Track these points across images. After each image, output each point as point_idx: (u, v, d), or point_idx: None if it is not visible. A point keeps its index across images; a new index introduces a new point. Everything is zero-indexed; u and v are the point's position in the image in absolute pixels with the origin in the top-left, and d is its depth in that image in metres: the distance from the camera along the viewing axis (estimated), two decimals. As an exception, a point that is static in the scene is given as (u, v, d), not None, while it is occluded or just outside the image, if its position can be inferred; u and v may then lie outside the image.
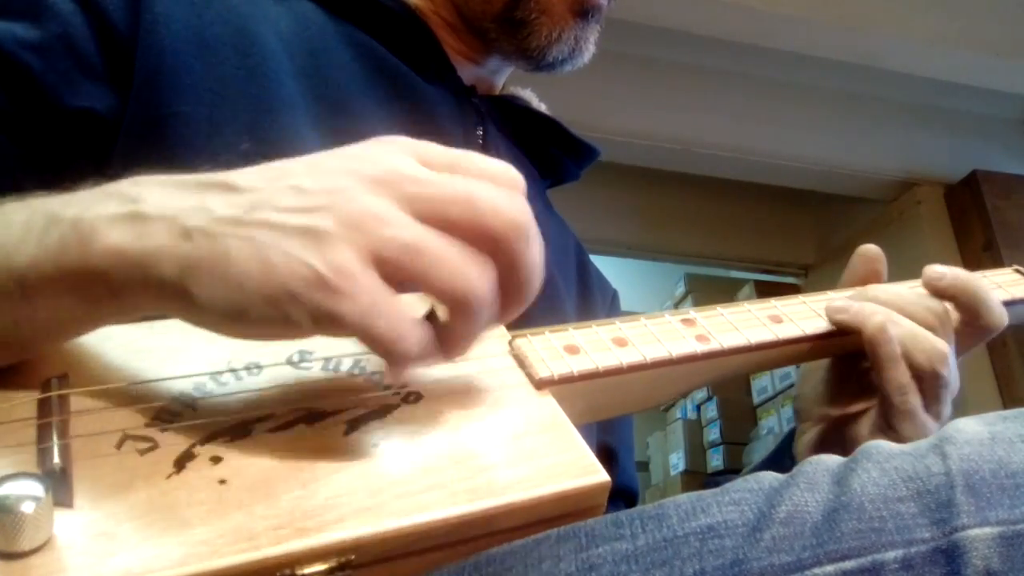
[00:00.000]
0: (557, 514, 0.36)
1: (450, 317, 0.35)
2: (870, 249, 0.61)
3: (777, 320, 0.53)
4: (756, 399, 3.20)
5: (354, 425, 0.38)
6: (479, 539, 0.35)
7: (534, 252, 0.36)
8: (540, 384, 0.43)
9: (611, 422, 0.70)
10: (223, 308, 0.33)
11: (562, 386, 0.43)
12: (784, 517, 0.33)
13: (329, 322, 0.33)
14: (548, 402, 0.42)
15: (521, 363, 0.44)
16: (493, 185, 0.36)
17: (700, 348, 0.48)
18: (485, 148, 0.65)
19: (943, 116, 2.56)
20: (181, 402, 0.38)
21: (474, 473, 0.36)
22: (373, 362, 0.42)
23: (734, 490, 0.35)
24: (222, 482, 0.34)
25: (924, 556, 0.31)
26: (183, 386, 0.39)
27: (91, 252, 0.34)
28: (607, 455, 0.69)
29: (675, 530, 0.33)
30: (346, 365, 0.42)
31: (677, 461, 3.18)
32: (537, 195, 0.73)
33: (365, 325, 0.33)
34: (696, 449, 3.15)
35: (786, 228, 3.10)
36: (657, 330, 0.49)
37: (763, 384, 3.15)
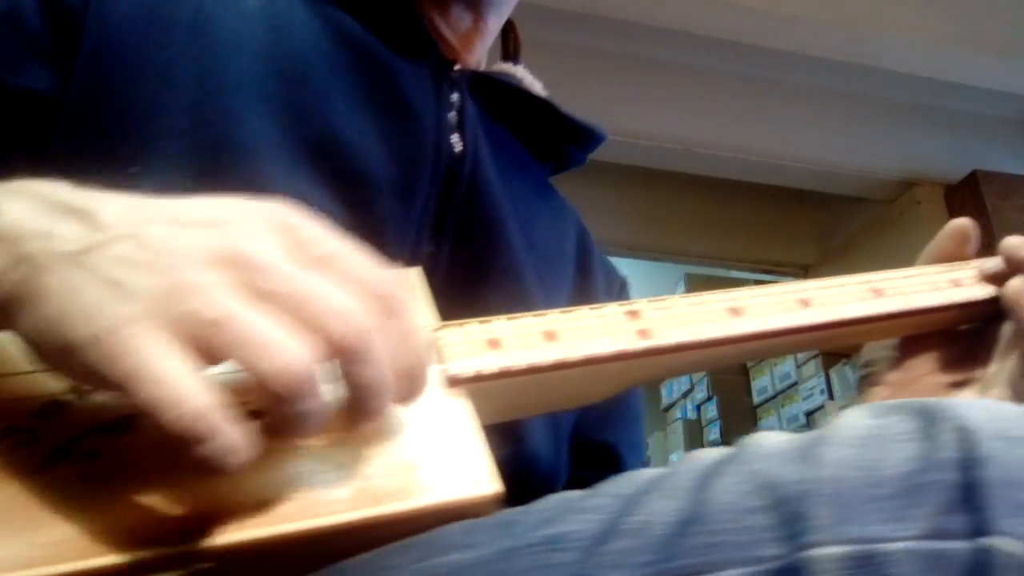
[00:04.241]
0: (434, 525, 0.34)
1: (262, 398, 0.31)
2: (963, 226, 0.59)
3: (736, 312, 0.48)
4: (756, 399, 3.20)
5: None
6: (347, 550, 0.33)
7: (367, 374, 0.33)
8: (451, 382, 0.40)
9: (613, 419, 0.67)
10: (32, 343, 0.32)
11: (476, 385, 0.40)
12: (634, 528, 0.30)
13: (100, 381, 0.30)
14: (456, 403, 0.39)
15: (439, 358, 0.41)
16: (349, 294, 0.33)
17: (637, 345, 0.44)
18: (460, 128, 0.61)
19: (943, 116, 2.56)
20: (73, 393, 0.36)
21: (350, 481, 0.34)
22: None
23: (602, 493, 0.33)
24: (89, 479, 0.33)
25: None
26: None
27: None
28: (607, 455, 0.67)
29: (520, 540, 0.31)
30: None
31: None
32: (529, 181, 0.69)
33: (128, 389, 0.29)
34: (696, 449, 3.15)
35: (786, 228, 3.10)
36: (597, 322, 0.45)
37: (763, 384, 3.15)
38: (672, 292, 3.34)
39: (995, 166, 2.54)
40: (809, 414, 2.72)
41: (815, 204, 3.01)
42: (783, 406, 2.98)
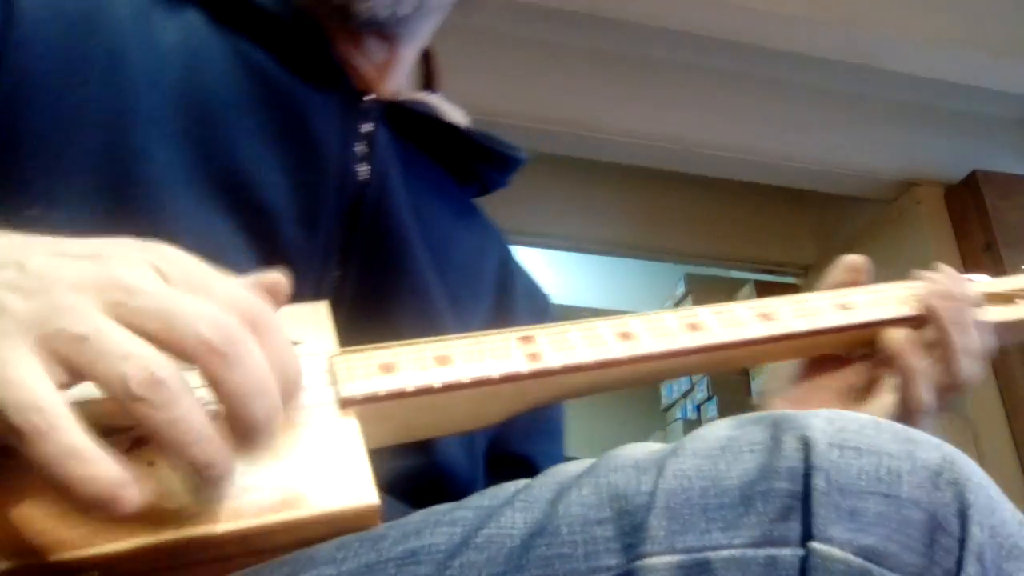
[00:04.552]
0: (318, 537, 0.35)
1: (128, 411, 0.30)
2: (856, 260, 0.61)
3: (626, 337, 0.50)
4: (756, 399, 3.19)
5: (140, 442, 0.36)
6: (233, 559, 0.35)
7: (235, 378, 0.32)
8: (343, 404, 0.42)
9: (532, 432, 0.68)
10: None
11: (370, 406, 0.42)
12: (483, 542, 0.31)
13: None
14: (346, 423, 0.41)
15: (334, 382, 0.43)
16: (214, 306, 0.33)
17: (527, 368, 0.47)
18: (370, 159, 0.62)
19: (943, 116, 2.56)
20: None
21: (234, 493, 0.35)
22: (195, 378, 0.39)
23: (467, 505, 0.34)
24: None
25: None
26: None
27: None
28: (525, 467, 0.67)
29: (383, 554, 0.32)
30: None
31: (677, 461, 3.18)
32: (448, 205, 0.70)
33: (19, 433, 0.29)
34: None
35: (786, 228, 3.10)
36: (489, 347, 0.47)
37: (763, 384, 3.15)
38: (672, 292, 3.36)
39: (995, 166, 2.54)
40: (809, 414, 2.72)
41: (815, 204, 3.02)
42: (783, 406, 2.97)
